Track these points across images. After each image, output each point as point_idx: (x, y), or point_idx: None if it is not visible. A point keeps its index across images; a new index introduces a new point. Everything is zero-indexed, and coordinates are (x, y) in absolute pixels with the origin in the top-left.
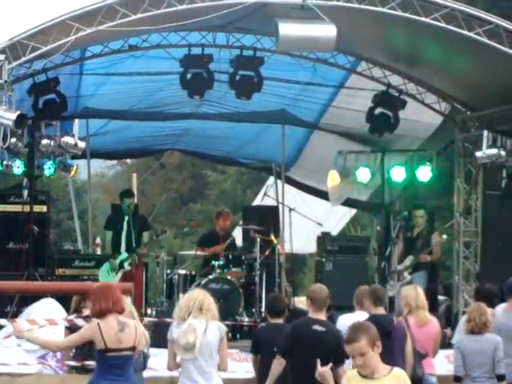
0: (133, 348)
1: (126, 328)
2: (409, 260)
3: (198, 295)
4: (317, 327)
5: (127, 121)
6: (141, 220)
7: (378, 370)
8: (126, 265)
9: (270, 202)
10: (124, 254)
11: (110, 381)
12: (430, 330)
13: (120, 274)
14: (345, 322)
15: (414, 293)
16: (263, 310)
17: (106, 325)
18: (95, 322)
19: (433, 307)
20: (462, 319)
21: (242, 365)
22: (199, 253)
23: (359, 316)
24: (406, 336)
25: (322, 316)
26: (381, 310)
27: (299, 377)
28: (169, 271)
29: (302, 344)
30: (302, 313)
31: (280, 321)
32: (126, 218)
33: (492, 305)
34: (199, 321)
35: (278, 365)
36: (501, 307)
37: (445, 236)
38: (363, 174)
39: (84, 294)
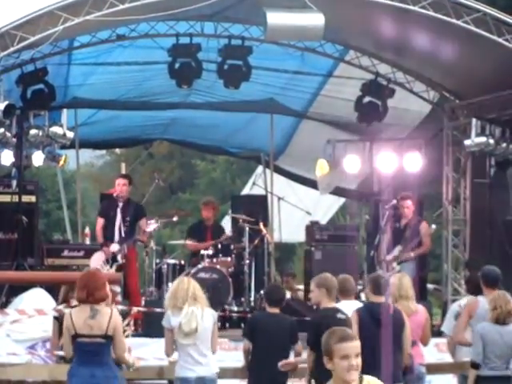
0: (105, 336)
1: (97, 315)
2: (397, 250)
3: (188, 284)
4: (340, 315)
5: (116, 110)
6: (136, 207)
7: None
8: (118, 257)
9: (258, 191)
10: (114, 245)
11: (86, 366)
12: (416, 319)
13: (114, 268)
14: None
15: (398, 282)
16: (252, 299)
17: (77, 312)
18: (67, 311)
19: (422, 296)
20: (452, 307)
21: (232, 354)
22: (189, 242)
23: (344, 306)
24: (403, 324)
25: (334, 304)
26: (380, 299)
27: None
28: (158, 261)
29: None
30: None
31: (277, 310)
32: (121, 204)
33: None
34: (196, 308)
35: (309, 358)
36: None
37: (434, 226)
38: (352, 163)
39: (73, 284)
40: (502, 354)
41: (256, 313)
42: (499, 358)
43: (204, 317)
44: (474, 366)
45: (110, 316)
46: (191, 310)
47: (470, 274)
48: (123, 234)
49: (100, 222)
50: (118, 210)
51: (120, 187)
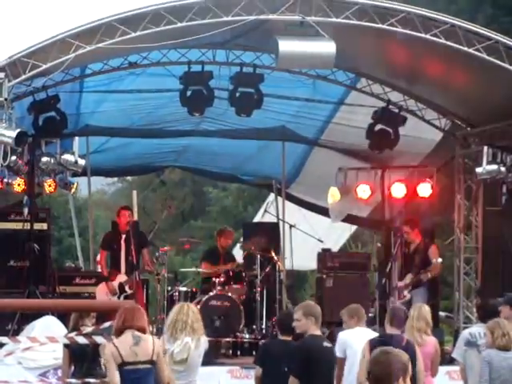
0: (150, 361)
1: (141, 341)
2: (408, 278)
3: (187, 316)
4: (326, 344)
5: (127, 138)
6: (139, 236)
7: None
8: (126, 288)
9: (270, 218)
10: (122, 276)
11: None
12: (424, 350)
13: (122, 299)
14: (345, 337)
15: (412, 313)
16: (264, 326)
17: (120, 340)
18: (109, 342)
19: (434, 323)
20: (463, 334)
21: (243, 382)
22: (203, 270)
23: (359, 331)
24: (415, 357)
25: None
26: (395, 331)
27: None
28: (169, 288)
29: (318, 363)
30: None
31: (289, 338)
32: (124, 236)
33: None
34: (191, 338)
35: None
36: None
37: (440, 259)
38: (363, 191)
39: (84, 311)
40: (507, 379)
41: (268, 340)
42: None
43: (197, 346)
44: None
45: (152, 342)
46: (186, 341)
47: (480, 301)
48: (129, 264)
49: (103, 254)
50: (122, 241)
51: (125, 218)
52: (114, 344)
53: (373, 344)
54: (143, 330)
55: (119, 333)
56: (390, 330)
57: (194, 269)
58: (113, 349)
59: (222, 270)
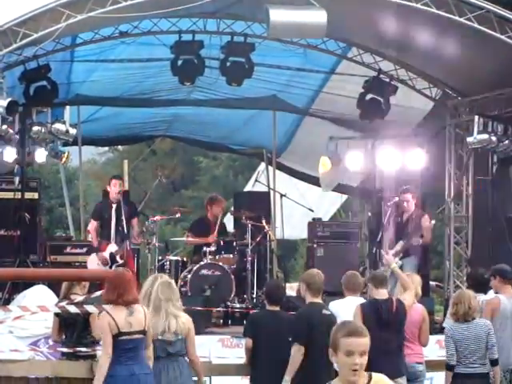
0: (143, 331)
1: (134, 312)
2: (399, 245)
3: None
4: (325, 311)
5: (118, 107)
6: (130, 206)
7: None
8: (117, 258)
9: (261, 188)
10: (112, 246)
11: (125, 365)
12: (412, 317)
13: (114, 269)
14: (336, 307)
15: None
16: (255, 295)
17: (115, 310)
18: (103, 311)
19: (424, 292)
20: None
21: (234, 351)
22: (190, 239)
23: (350, 301)
24: (406, 315)
25: (320, 300)
26: (384, 293)
27: (318, 362)
28: (160, 257)
29: (318, 330)
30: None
31: (277, 308)
32: (114, 205)
33: (484, 290)
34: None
35: (298, 354)
36: (503, 295)
37: (433, 222)
38: (354, 160)
39: (75, 280)
40: (475, 349)
41: (256, 311)
42: (473, 354)
43: None
44: (449, 367)
45: (144, 312)
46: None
47: (471, 271)
48: (120, 234)
49: (93, 223)
50: (113, 211)
51: (116, 188)
52: (109, 314)
53: (364, 308)
54: (136, 301)
55: (113, 304)
56: (377, 293)
57: (184, 238)
58: (109, 319)
59: (209, 240)
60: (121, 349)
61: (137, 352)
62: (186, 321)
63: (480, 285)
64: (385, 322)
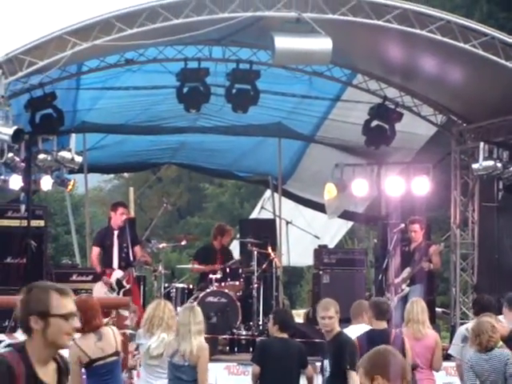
0: (116, 353)
1: (103, 335)
2: (406, 272)
3: (163, 313)
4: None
5: (124, 135)
6: (133, 234)
7: None
8: (124, 283)
9: (267, 215)
10: (118, 272)
11: None
12: (424, 343)
13: (121, 295)
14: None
15: (410, 307)
16: (261, 322)
17: (82, 339)
18: (71, 342)
19: (430, 319)
20: (459, 330)
21: (240, 378)
22: (196, 266)
23: (354, 330)
24: (403, 351)
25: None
26: (382, 324)
27: None
28: (166, 285)
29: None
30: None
31: (285, 335)
32: (117, 232)
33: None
34: (167, 334)
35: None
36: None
37: (442, 244)
38: (360, 187)
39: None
40: (494, 380)
41: (265, 338)
42: None
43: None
44: None
45: (113, 333)
46: (162, 337)
47: (477, 297)
48: (124, 260)
49: (95, 250)
50: (115, 238)
51: (120, 214)
52: (77, 345)
53: (361, 340)
54: (98, 328)
55: (80, 332)
56: (376, 324)
57: (190, 265)
58: (76, 350)
59: (216, 268)
60: (96, 374)
61: (112, 374)
62: (198, 348)
63: (485, 310)
64: None
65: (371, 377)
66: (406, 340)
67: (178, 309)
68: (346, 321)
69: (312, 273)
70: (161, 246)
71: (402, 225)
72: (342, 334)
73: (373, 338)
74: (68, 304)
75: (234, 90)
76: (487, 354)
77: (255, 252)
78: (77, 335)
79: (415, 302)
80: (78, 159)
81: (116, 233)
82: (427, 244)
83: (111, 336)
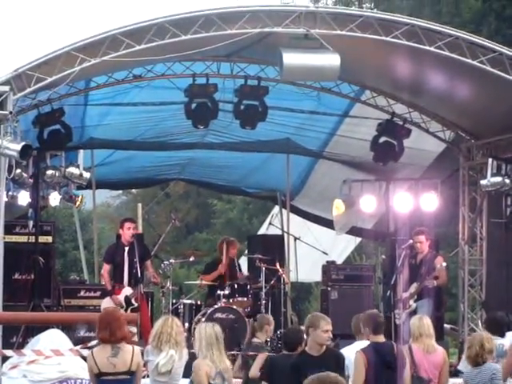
0: (129, 372)
1: (119, 353)
2: (413, 287)
3: (171, 328)
4: None
5: (132, 151)
6: (143, 249)
7: None
8: (132, 300)
9: (275, 231)
10: (127, 289)
11: None
12: (433, 358)
13: (129, 312)
14: (347, 354)
15: (418, 322)
16: (269, 339)
17: (99, 350)
18: (89, 351)
19: (439, 335)
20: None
21: None
22: (204, 282)
23: (359, 346)
24: (405, 364)
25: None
26: (380, 338)
27: None
28: (174, 301)
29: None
30: None
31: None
32: (127, 248)
33: (502, 333)
34: (175, 351)
35: None
36: None
37: (444, 264)
38: (368, 203)
39: (89, 324)
40: None
41: (274, 354)
42: None
43: (180, 358)
44: None
45: (132, 353)
46: (171, 353)
47: (489, 314)
48: (133, 277)
49: (106, 267)
50: (125, 254)
51: (130, 231)
52: (92, 354)
53: (366, 353)
54: (124, 338)
55: (102, 342)
56: (374, 338)
57: (198, 281)
58: (90, 358)
59: (221, 270)
60: None
61: None
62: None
63: (497, 327)
64: (388, 364)
65: None
66: (415, 353)
67: (186, 325)
68: (353, 337)
69: (320, 289)
70: (170, 261)
71: (411, 241)
72: (329, 347)
73: (378, 350)
74: None
75: (242, 106)
76: (477, 368)
77: (263, 268)
78: (97, 346)
79: (423, 317)
80: (86, 175)
81: (126, 249)
82: (433, 255)
83: (129, 354)
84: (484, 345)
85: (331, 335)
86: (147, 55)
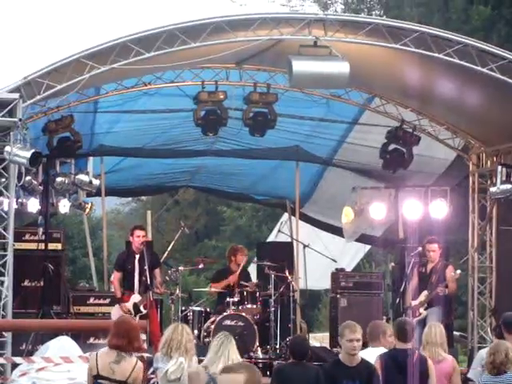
0: (125, 382)
1: (122, 361)
2: (423, 295)
3: (181, 336)
4: None
5: (142, 158)
6: (152, 257)
7: None
8: (141, 308)
9: (284, 238)
10: (136, 296)
11: None
12: (441, 367)
13: (138, 319)
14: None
15: (428, 330)
16: (278, 346)
17: (104, 354)
18: (94, 352)
19: (448, 343)
20: (479, 354)
21: None
22: (213, 289)
23: (368, 353)
24: (427, 372)
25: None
26: (406, 345)
27: None
28: (183, 308)
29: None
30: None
31: (303, 361)
32: (138, 256)
33: None
34: (184, 358)
35: None
36: None
37: (458, 271)
38: (377, 210)
39: (98, 331)
40: None
41: (282, 362)
42: None
43: (190, 366)
44: None
45: (134, 365)
46: (180, 361)
47: (498, 320)
48: (143, 284)
49: (117, 274)
50: (136, 262)
51: (140, 239)
52: (96, 355)
53: (384, 359)
54: (139, 350)
55: (109, 347)
56: (399, 344)
57: (207, 289)
58: (93, 359)
59: (231, 280)
60: None
61: None
62: None
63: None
64: (404, 370)
65: None
66: (430, 362)
67: (195, 332)
68: (363, 344)
69: (329, 296)
70: (179, 268)
71: (420, 248)
72: (363, 359)
73: (396, 358)
74: None
75: (251, 114)
76: (498, 377)
77: (272, 275)
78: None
79: (434, 325)
80: (96, 182)
81: (137, 257)
82: (444, 265)
83: (130, 366)
84: (508, 354)
85: (359, 344)
86: (157, 63)
